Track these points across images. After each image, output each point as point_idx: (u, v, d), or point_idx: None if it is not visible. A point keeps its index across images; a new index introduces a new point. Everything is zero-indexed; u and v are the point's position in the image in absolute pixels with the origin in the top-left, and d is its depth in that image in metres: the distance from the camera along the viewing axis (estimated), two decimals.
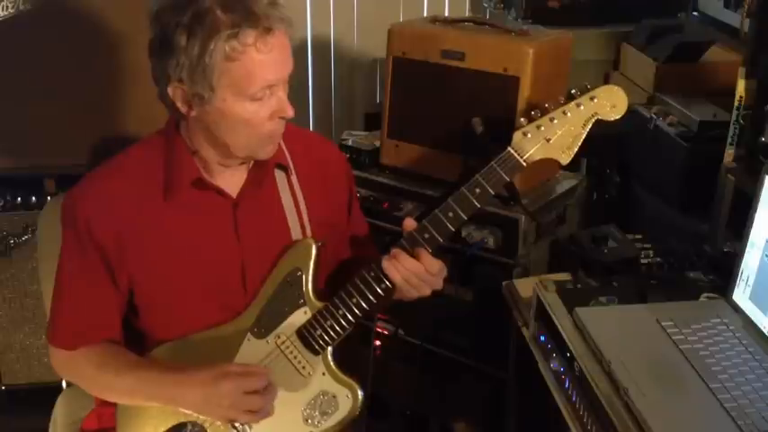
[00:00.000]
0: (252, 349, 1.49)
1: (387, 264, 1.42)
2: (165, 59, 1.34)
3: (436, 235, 1.42)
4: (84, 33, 2.12)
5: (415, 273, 1.42)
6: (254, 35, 1.31)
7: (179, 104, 1.38)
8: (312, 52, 3.41)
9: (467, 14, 3.46)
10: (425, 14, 3.45)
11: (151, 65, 1.39)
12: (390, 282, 1.43)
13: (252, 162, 1.50)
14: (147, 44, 1.38)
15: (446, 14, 3.26)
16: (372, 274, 1.44)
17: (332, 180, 1.63)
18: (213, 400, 1.40)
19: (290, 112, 1.40)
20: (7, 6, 2.07)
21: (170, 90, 1.37)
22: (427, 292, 1.47)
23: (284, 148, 1.54)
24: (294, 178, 1.55)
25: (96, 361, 1.49)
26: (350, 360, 1.53)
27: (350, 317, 1.46)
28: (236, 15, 1.31)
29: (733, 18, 2.69)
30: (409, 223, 1.45)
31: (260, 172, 1.50)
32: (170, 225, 1.46)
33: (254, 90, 1.34)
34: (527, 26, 2.39)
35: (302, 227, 1.54)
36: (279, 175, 1.54)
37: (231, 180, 1.49)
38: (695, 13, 3.01)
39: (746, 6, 2.47)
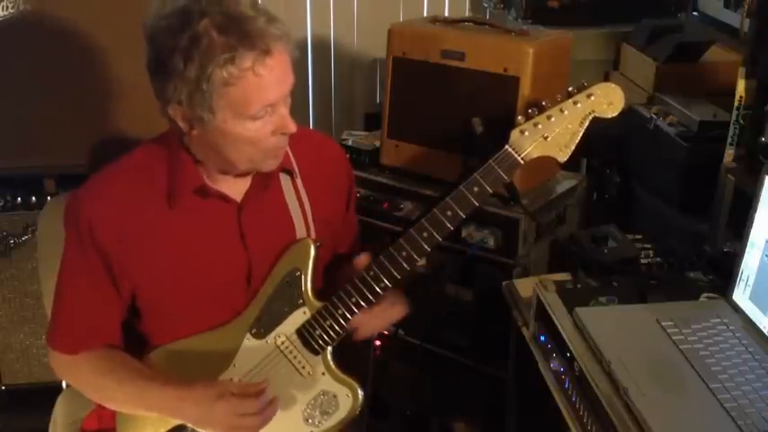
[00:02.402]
0: (251, 349, 1.49)
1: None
2: (163, 82, 1.33)
3: (435, 234, 1.43)
4: (84, 33, 2.11)
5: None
6: (252, 58, 1.29)
7: (180, 124, 1.37)
8: (312, 52, 3.41)
9: (467, 14, 3.46)
10: (425, 14, 3.45)
11: (150, 81, 1.38)
12: (392, 281, 1.44)
13: None
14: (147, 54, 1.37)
15: (446, 14, 3.26)
16: (372, 273, 1.44)
17: (334, 178, 1.63)
18: (209, 419, 1.41)
19: (292, 128, 1.39)
20: (7, 6, 2.06)
21: (170, 111, 1.36)
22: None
23: (289, 151, 1.53)
24: (299, 181, 1.55)
25: (97, 367, 1.48)
26: (350, 360, 1.53)
27: (349, 316, 1.46)
28: (232, 38, 1.28)
29: (733, 18, 2.69)
30: (361, 261, 1.48)
31: (265, 177, 1.49)
32: (174, 231, 1.46)
33: (254, 111, 1.33)
34: (527, 26, 2.39)
35: (307, 228, 1.54)
36: (284, 179, 1.54)
37: (235, 185, 1.49)
38: (695, 13, 3.01)
39: (746, 6, 2.47)
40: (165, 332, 1.51)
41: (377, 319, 1.54)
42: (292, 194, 1.54)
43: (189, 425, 1.48)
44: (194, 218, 1.47)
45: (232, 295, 1.50)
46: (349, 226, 1.70)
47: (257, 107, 1.33)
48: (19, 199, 2.28)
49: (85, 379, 1.51)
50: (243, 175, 1.48)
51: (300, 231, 1.53)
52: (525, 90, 1.88)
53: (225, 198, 1.47)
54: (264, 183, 1.49)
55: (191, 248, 1.47)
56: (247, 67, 1.29)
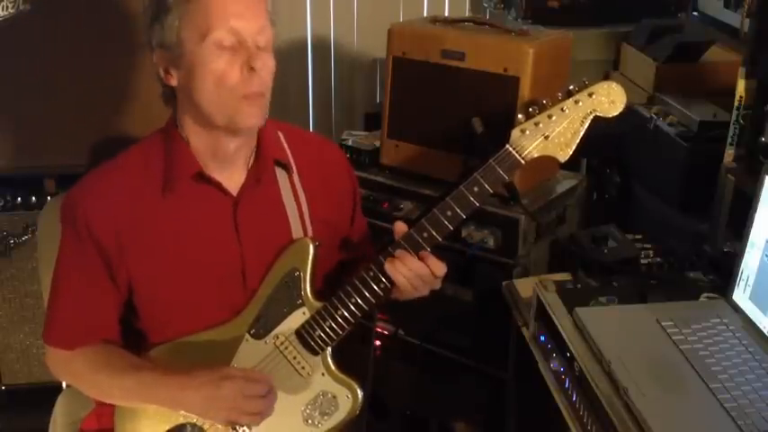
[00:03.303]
0: (250, 350, 1.49)
1: (389, 266, 1.41)
2: (149, 35, 1.41)
3: (435, 234, 1.42)
4: (85, 33, 2.11)
5: (419, 275, 1.42)
6: None
7: (162, 74, 1.42)
8: (312, 53, 3.41)
9: (467, 14, 3.46)
10: (425, 14, 3.45)
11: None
12: (390, 282, 1.43)
13: (252, 160, 1.50)
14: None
15: (446, 14, 3.26)
16: (371, 273, 1.44)
17: (334, 181, 1.62)
18: (215, 401, 1.39)
19: (259, 63, 1.37)
20: (7, 6, 2.06)
21: (155, 59, 1.41)
22: (426, 292, 1.47)
23: (285, 146, 1.54)
24: (296, 177, 1.55)
25: (94, 362, 1.48)
26: (350, 360, 1.53)
27: (349, 317, 1.46)
28: None
29: (733, 18, 2.69)
30: (401, 228, 1.44)
31: (260, 169, 1.50)
32: (170, 223, 1.46)
33: (215, 33, 1.34)
34: (527, 26, 2.39)
35: (303, 226, 1.54)
36: (280, 174, 1.54)
37: (232, 179, 1.49)
38: (695, 13, 3.01)
39: (746, 6, 2.48)
40: (162, 330, 1.51)
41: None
42: (289, 191, 1.54)
43: (190, 418, 1.47)
44: (190, 208, 1.47)
45: (228, 292, 1.50)
46: (359, 229, 1.69)
47: (217, 28, 1.34)
48: (19, 199, 2.28)
49: (82, 374, 1.51)
50: (237, 144, 1.45)
51: (296, 229, 1.53)
52: (525, 90, 1.88)
53: (222, 189, 1.48)
54: (259, 175, 1.49)
55: (185, 240, 1.47)
56: None
